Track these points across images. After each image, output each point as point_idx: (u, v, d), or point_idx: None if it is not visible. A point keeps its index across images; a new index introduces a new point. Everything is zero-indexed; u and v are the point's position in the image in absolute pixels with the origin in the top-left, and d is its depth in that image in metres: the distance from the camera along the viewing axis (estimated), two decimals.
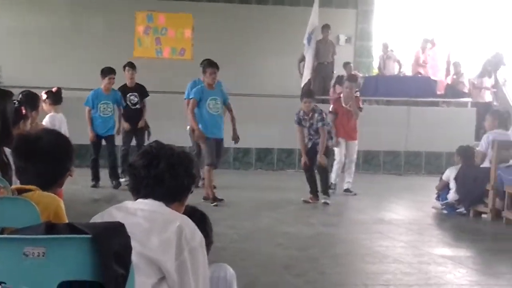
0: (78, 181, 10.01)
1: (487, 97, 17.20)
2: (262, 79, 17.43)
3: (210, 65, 9.99)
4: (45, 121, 8.97)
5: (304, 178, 10.55)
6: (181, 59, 18.10)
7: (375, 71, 19.65)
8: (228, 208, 9.64)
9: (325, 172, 10.44)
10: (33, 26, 17.43)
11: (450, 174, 10.13)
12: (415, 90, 16.48)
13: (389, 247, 7.42)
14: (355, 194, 11.36)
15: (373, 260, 6.83)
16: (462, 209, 9.89)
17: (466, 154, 10.30)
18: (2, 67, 16.47)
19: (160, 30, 18.59)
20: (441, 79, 18.55)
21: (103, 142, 11.34)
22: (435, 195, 10.42)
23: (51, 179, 3.23)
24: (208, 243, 3.18)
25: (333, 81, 16.62)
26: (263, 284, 5.77)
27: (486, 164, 9.84)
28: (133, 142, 11.65)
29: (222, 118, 10.16)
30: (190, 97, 10.18)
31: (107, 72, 11.25)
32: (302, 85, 14.74)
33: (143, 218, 2.80)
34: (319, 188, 10.41)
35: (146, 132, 11.69)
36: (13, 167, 3.49)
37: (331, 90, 16.39)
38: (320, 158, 10.22)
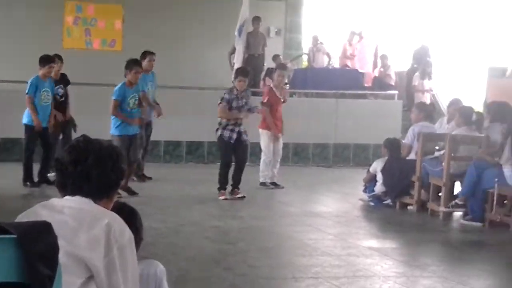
0: (7, 175, 9.80)
1: (427, 99, 16.66)
2: (193, 71, 17.33)
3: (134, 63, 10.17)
4: None
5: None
6: (112, 51, 17.88)
7: (304, 64, 19.81)
8: (157, 202, 9.59)
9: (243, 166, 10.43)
10: None
11: (377, 166, 10.28)
12: (343, 82, 16.64)
13: (318, 240, 7.52)
14: (283, 187, 11.38)
15: (302, 252, 6.91)
16: (388, 201, 10.05)
17: (393, 146, 10.47)
18: None
19: (89, 21, 18.31)
20: (369, 72, 18.83)
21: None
22: (363, 187, 10.56)
23: None
24: (138, 239, 3.16)
25: (263, 74, 16.67)
26: (194, 278, 5.78)
27: (412, 156, 10.03)
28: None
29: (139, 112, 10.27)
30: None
31: (48, 60, 10.78)
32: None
33: (70, 216, 2.74)
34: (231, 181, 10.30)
35: (72, 126, 11.40)
36: None
37: (261, 82, 16.44)
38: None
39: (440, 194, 9.53)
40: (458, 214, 9.29)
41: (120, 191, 9.46)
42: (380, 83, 17.90)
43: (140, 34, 16.90)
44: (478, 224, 8.78)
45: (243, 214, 8.99)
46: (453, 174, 9.32)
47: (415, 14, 22.59)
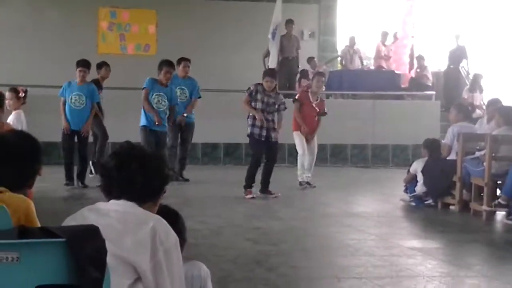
0: (47, 179, 9.90)
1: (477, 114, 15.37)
2: (227, 74, 17.38)
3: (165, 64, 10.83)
4: (11, 119, 8.85)
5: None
6: (146, 55, 18.01)
7: (339, 66, 19.75)
8: (197, 204, 9.62)
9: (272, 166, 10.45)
10: None
11: (417, 166, 10.20)
12: (379, 84, 16.59)
13: (360, 240, 7.44)
14: (314, 187, 11.37)
15: (344, 253, 6.84)
16: (430, 201, 9.98)
17: (432, 146, 10.40)
18: None
19: (124, 27, 18.47)
20: (405, 73, 18.70)
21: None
22: (403, 188, 10.49)
23: (20, 181, 3.17)
24: (182, 242, 3.16)
25: (298, 76, 16.67)
26: (236, 279, 5.76)
27: (452, 156, 9.92)
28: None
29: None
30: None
31: (77, 64, 10.97)
32: None
33: (116, 219, 2.77)
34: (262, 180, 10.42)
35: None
36: None
37: (297, 84, 16.43)
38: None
39: (482, 194, 9.40)
40: (501, 213, 9.15)
41: None
42: (417, 84, 17.79)
43: (174, 38, 16.99)
44: None
45: (283, 215, 8.96)
46: (494, 174, 9.19)
47: (451, 13, 22.38)
